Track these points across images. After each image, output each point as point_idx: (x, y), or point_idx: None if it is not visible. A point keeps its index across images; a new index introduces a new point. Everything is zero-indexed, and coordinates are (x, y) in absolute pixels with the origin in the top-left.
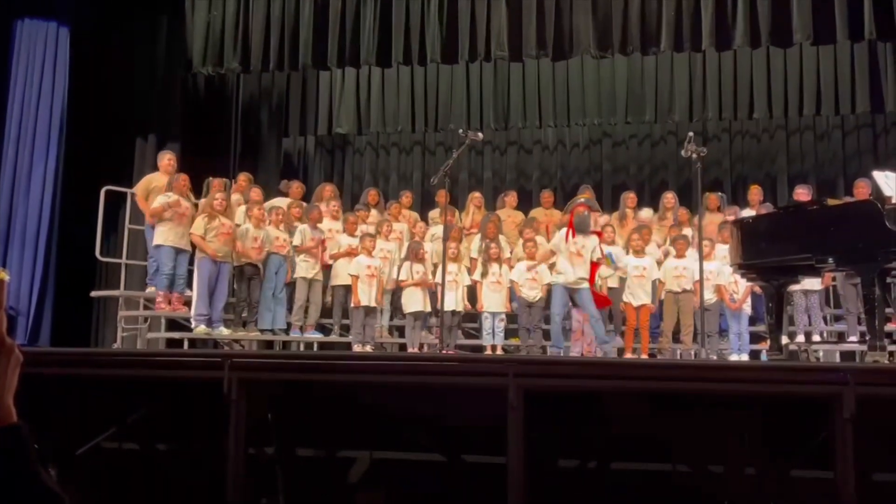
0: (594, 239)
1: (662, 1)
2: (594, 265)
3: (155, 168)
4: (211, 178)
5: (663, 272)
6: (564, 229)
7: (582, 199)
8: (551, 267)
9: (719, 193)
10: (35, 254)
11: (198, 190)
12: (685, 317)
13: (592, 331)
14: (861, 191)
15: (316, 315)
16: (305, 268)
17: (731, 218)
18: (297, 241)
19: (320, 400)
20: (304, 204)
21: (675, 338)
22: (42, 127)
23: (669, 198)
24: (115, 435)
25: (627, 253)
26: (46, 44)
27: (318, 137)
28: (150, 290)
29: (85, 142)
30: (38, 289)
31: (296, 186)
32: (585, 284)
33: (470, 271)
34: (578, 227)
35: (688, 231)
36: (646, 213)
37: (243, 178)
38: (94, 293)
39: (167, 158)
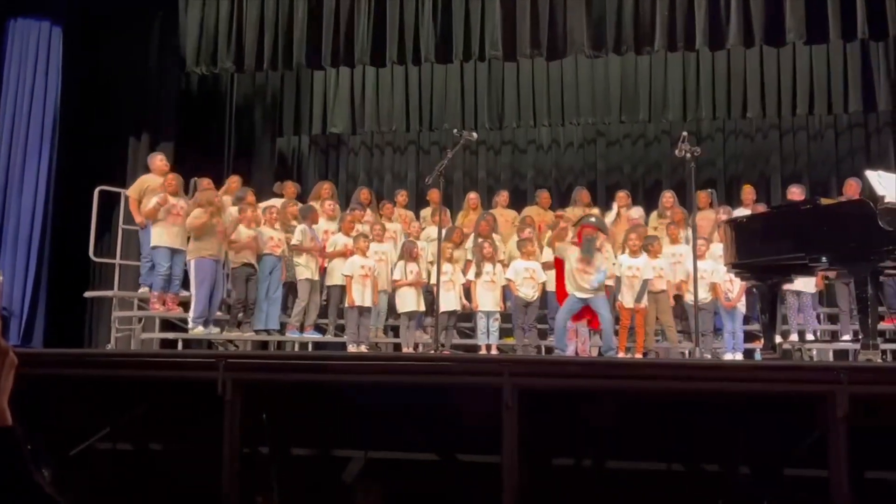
0: (601, 256)
1: (656, 0)
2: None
3: (148, 168)
4: (196, 179)
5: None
6: (576, 251)
7: (593, 220)
8: (547, 267)
9: (709, 190)
10: (28, 254)
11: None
12: (664, 316)
13: (602, 335)
14: (851, 189)
15: (314, 315)
16: (309, 269)
17: (724, 217)
18: (296, 240)
19: (315, 400)
20: (299, 203)
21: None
22: (35, 126)
23: (668, 196)
24: (110, 436)
25: (623, 251)
26: (39, 43)
27: (313, 137)
28: (144, 290)
29: (78, 141)
30: (32, 289)
31: (290, 186)
32: (601, 293)
33: (464, 271)
34: (587, 251)
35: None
36: (636, 211)
37: (234, 179)
38: (87, 294)
39: (159, 159)
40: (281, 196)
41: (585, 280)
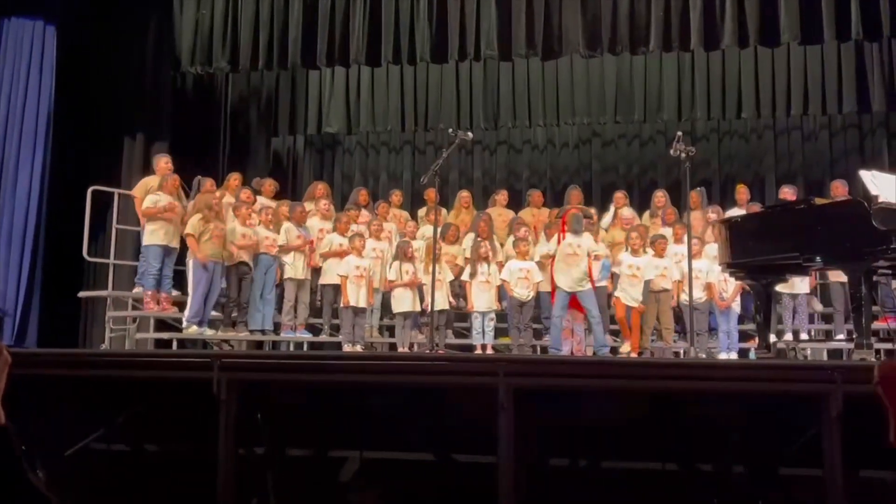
0: (588, 237)
1: (651, 1)
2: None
3: (143, 168)
4: (200, 178)
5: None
6: (557, 235)
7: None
8: (542, 267)
9: (699, 189)
10: (22, 254)
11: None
12: (664, 315)
13: (592, 333)
14: (838, 191)
15: (305, 315)
16: (294, 268)
17: (713, 217)
18: (281, 240)
19: (310, 400)
20: (290, 202)
21: (659, 335)
22: (28, 126)
23: (660, 196)
24: (104, 436)
25: (626, 250)
26: (33, 42)
27: (308, 137)
28: (137, 290)
29: (72, 141)
30: (25, 289)
31: (268, 184)
32: (587, 284)
33: (455, 271)
34: (573, 228)
35: (667, 230)
36: (627, 211)
37: (235, 177)
38: (81, 293)
39: (164, 161)
40: (259, 192)
41: (574, 264)
